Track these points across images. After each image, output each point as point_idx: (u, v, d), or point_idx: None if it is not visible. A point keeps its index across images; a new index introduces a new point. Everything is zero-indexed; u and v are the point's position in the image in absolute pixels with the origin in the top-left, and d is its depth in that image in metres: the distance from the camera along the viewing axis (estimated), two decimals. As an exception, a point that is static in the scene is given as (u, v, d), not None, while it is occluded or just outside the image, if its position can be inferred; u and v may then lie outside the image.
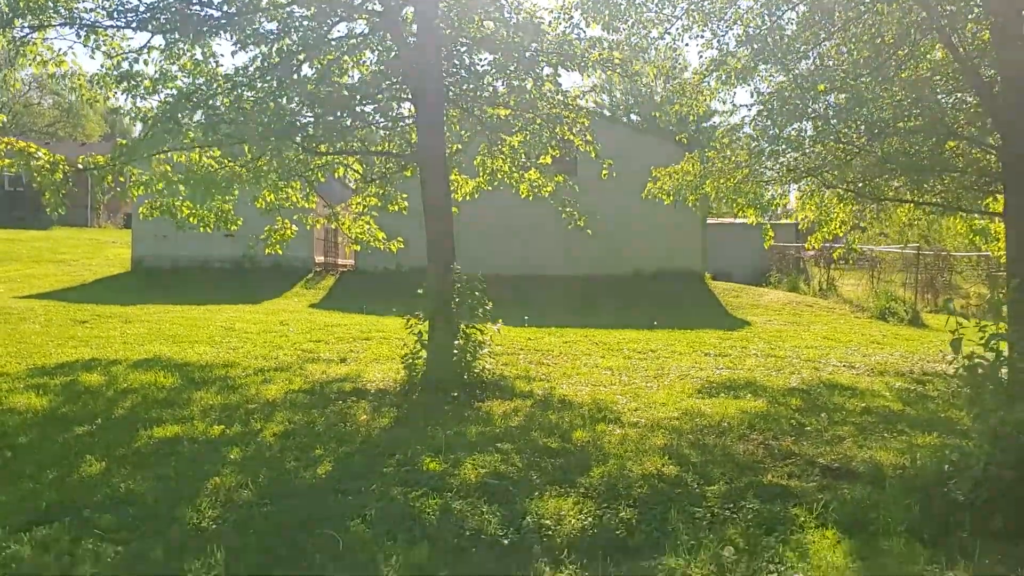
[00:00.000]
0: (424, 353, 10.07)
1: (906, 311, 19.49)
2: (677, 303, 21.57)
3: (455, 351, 9.97)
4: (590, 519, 5.91)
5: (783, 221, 29.76)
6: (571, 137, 11.80)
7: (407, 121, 11.91)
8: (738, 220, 33.08)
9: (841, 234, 13.96)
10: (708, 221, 29.56)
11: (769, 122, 11.56)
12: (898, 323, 19.19)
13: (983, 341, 5.98)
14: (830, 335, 16.46)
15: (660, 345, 14.29)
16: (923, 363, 13.09)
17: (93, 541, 5.33)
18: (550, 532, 5.68)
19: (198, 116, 10.67)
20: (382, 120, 11.60)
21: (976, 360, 5.94)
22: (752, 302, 22.83)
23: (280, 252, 13.72)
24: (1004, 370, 6.05)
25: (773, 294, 24.64)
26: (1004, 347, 6.18)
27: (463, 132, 12.21)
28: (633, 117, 60.66)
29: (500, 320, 10.41)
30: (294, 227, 13.60)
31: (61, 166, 10.60)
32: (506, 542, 5.55)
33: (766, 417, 8.77)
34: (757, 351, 13.97)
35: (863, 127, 11.36)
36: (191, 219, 12.41)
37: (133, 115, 11.21)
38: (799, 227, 27.17)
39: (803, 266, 27.85)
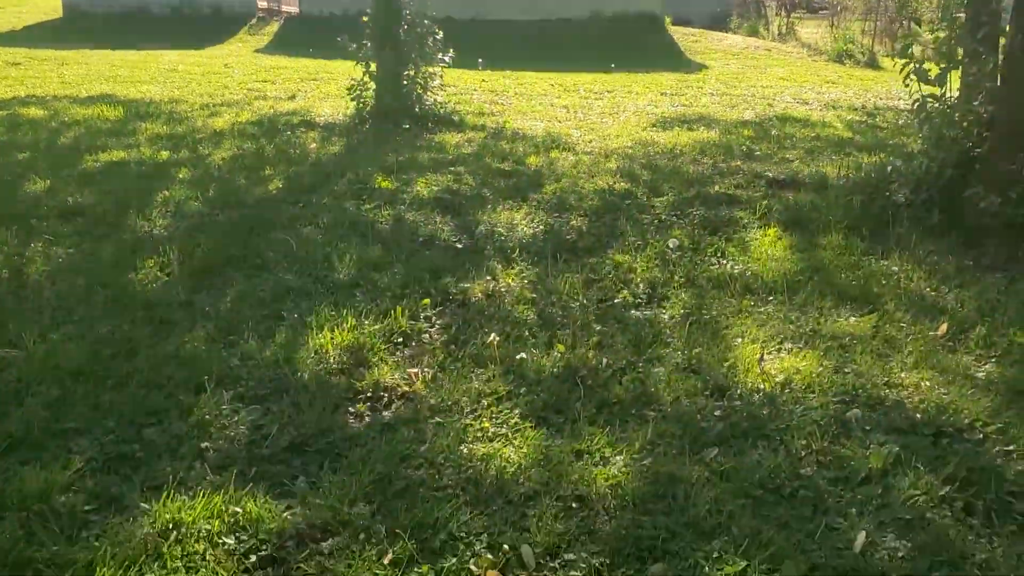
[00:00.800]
0: (373, 85, 9.80)
1: (863, 53, 19.29)
2: (635, 47, 21.03)
3: (405, 81, 9.71)
4: (541, 227, 6.00)
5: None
6: None
7: None
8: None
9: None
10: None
11: None
12: (854, 65, 19.04)
13: (933, 43, 5.91)
14: (786, 76, 16.31)
15: (617, 86, 14.07)
16: (876, 99, 13.11)
17: (43, 245, 5.32)
18: (502, 238, 5.77)
19: None
20: None
21: (925, 65, 5.90)
22: (711, 47, 22.36)
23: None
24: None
25: (732, 39, 24.10)
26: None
27: None
28: None
29: (451, 50, 10.08)
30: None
31: None
32: (459, 246, 5.64)
33: (718, 144, 8.80)
34: (713, 91, 13.84)
35: None
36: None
37: None
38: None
39: (763, 11, 27.10)
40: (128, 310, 4.43)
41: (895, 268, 5.06)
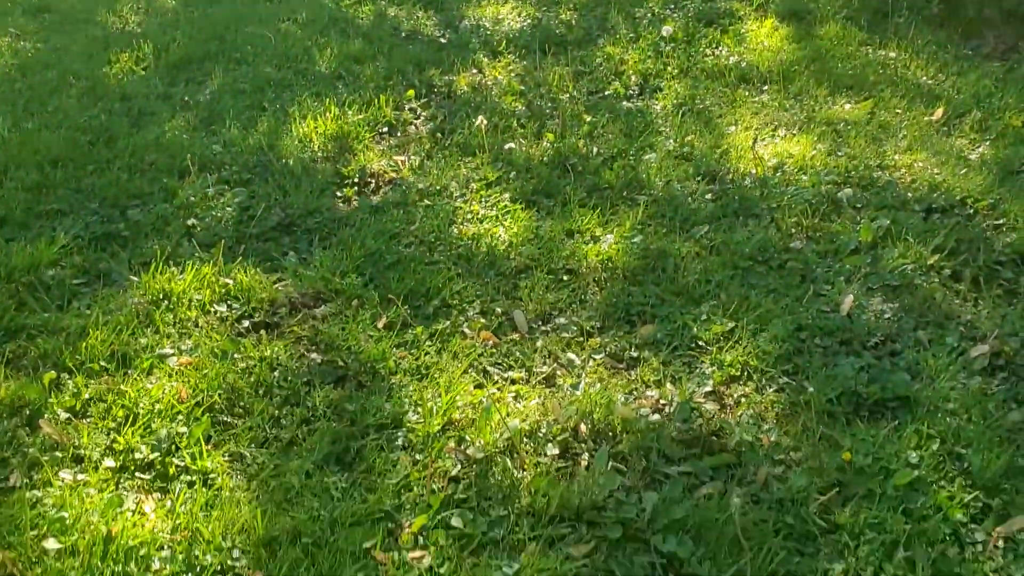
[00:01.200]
0: None
1: None
2: None
3: None
4: (529, 21, 5.77)
5: None
6: None
7: None
8: None
9: None
10: None
11: None
12: None
13: None
14: None
15: None
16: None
17: (10, 39, 5.11)
18: (488, 32, 5.56)
19: None
20: None
21: None
22: None
23: None
24: None
25: None
26: None
27: None
28: None
29: None
30: None
31: None
32: (443, 40, 5.44)
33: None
34: None
35: None
36: None
37: None
38: None
39: None
40: (104, 101, 4.30)
41: (892, 57, 4.93)
